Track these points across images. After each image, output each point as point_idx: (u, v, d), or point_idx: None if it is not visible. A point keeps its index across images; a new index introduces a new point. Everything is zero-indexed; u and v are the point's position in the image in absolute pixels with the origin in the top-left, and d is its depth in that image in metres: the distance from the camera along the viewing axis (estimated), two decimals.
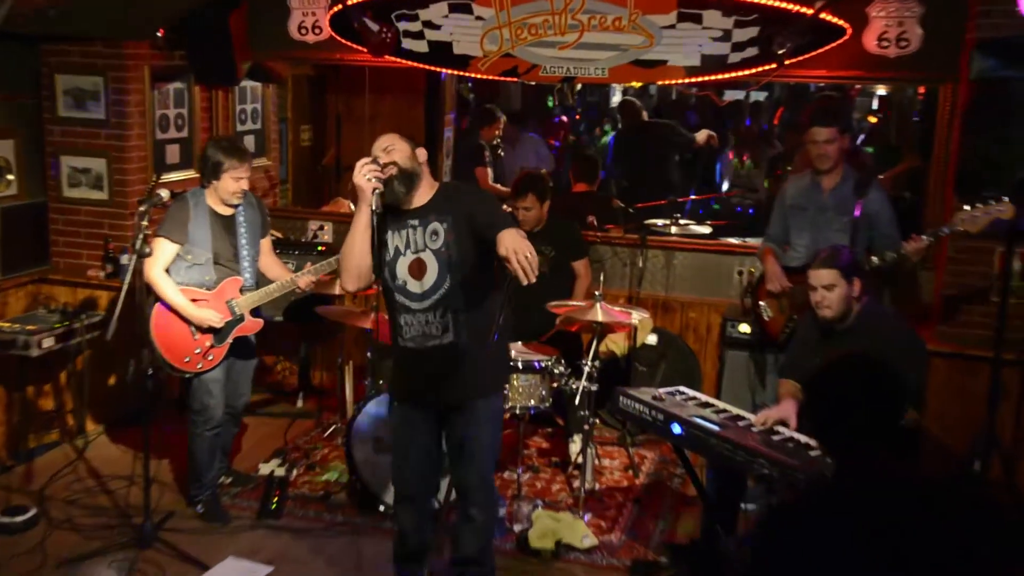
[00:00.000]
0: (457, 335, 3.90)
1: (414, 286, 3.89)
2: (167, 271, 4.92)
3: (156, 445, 5.00)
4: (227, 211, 5.01)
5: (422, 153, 3.93)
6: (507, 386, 5.09)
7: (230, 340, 5.02)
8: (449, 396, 3.98)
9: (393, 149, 3.86)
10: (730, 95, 10.82)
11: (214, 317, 4.92)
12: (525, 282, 3.40)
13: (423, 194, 3.91)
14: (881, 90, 10.55)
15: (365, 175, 3.76)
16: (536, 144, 9.47)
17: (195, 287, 4.95)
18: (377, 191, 3.75)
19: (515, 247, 3.43)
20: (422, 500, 4.17)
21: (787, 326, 5.27)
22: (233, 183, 4.91)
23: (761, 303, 5.51)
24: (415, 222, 3.89)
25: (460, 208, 3.85)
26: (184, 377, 5.04)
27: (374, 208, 3.74)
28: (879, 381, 2.71)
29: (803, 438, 4.02)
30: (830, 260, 4.38)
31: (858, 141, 9.18)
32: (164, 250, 4.86)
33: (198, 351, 4.95)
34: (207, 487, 5.14)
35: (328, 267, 5.11)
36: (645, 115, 9.40)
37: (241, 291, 5.02)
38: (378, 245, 3.84)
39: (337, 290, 5.64)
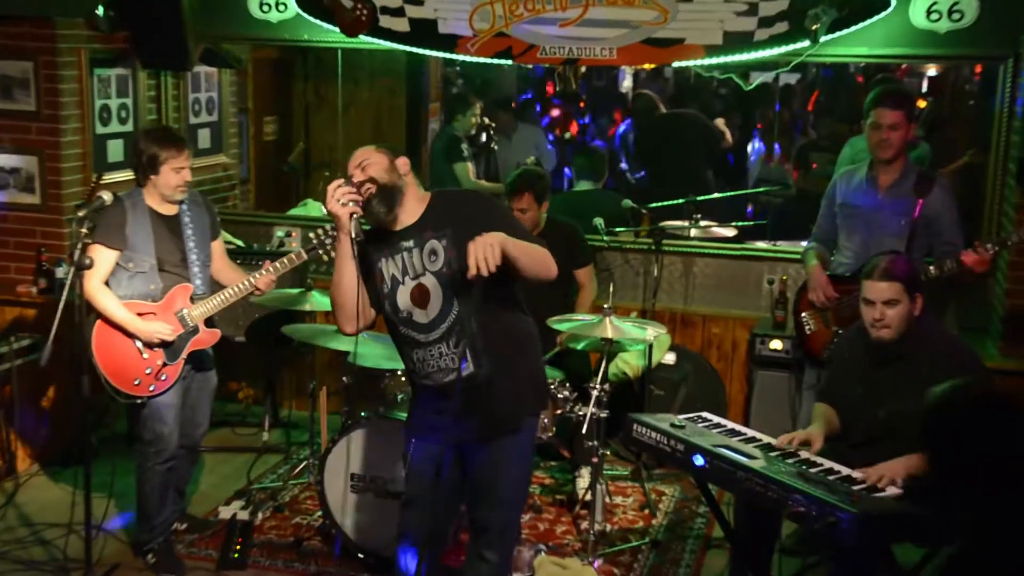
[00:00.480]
0: (477, 365, 3.88)
1: (420, 316, 3.88)
2: (107, 284, 4.93)
3: (100, 486, 4.99)
4: (170, 210, 5.03)
5: (403, 163, 3.89)
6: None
7: (184, 356, 5.03)
8: (475, 433, 3.96)
9: (368, 164, 3.83)
10: (757, 78, 10.85)
11: (164, 329, 4.92)
12: (472, 272, 3.49)
13: (412, 209, 3.88)
14: (932, 70, 10.57)
15: (339, 199, 3.73)
16: (535, 136, 9.50)
17: (139, 299, 4.95)
18: (356, 216, 3.73)
19: (484, 237, 3.50)
20: (432, 548, 4.13)
21: (832, 342, 5.28)
22: (174, 176, 4.94)
23: (803, 315, 5.52)
24: (409, 243, 3.87)
25: (458, 218, 3.81)
26: (135, 403, 5.03)
27: (354, 236, 3.73)
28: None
29: (844, 470, 4.03)
30: (892, 271, 4.26)
31: None
32: (102, 258, 4.86)
33: (149, 371, 4.96)
34: (158, 533, 5.12)
35: (289, 263, 5.10)
36: (662, 108, 9.44)
37: (192, 299, 5.03)
38: (370, 276, 3.84)
39: (307, 306, 5.65)
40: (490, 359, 3.88)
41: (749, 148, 9.70)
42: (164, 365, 4.97)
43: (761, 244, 6.81)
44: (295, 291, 5.78)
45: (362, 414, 5.23)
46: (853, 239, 5.36)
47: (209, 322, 5.11)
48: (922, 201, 5.06)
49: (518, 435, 3.99)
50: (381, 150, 3.90)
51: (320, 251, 5.09)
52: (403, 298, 3.89)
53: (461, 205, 3.90)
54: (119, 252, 4.92)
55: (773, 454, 4.18)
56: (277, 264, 5.10)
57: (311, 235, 5.17)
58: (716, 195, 7.91)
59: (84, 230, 4.55)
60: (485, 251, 3.48)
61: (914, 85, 10.92)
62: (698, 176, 8.54)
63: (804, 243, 5.90)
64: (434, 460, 3.97)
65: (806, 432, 4.29)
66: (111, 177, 6.41)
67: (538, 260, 3.75)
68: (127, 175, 6.47)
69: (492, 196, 4.14)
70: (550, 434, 5.39)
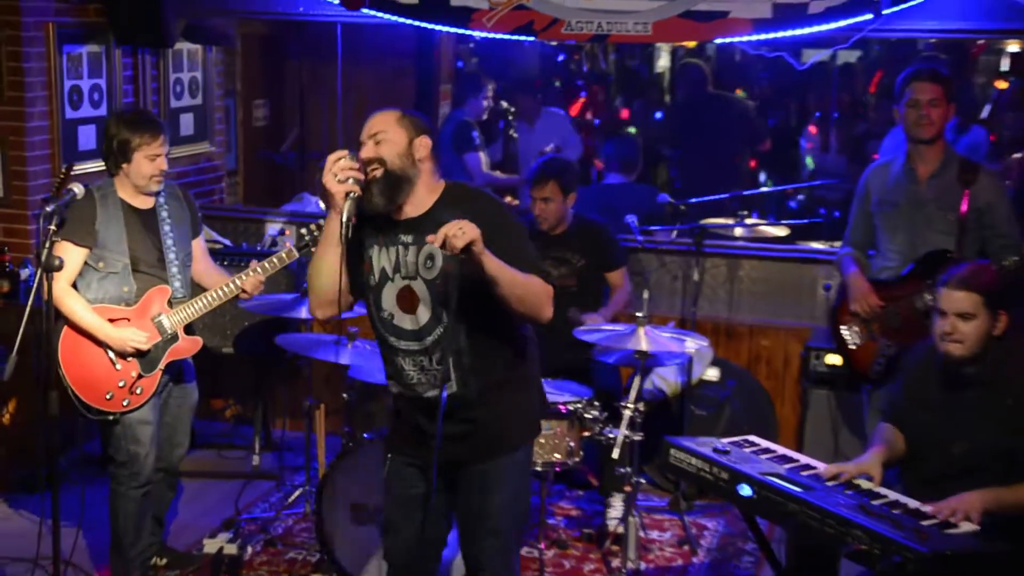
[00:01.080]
0: (464, 385, 3.87)
1: (403, 321, 3.87)
2: (75, 286, 4.94)
3: (68, 515, 5.00)
4: (145, 203, 5.05)
5: (423, 146, 3.83)
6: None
7: (162, 367, 5.04)
8: (458, 455, 3.95)
9: (384, 139, 3.78)
10: (811, 56, 10.84)
11: (138, 337, 4.93)
12: (436, 242, 3.50)
13: (420, 200, 3.85)
14: (1013, 46, 10.55)
15: (337, 175, 3.70)
16: (561, 122, 9.50)
17: (111, 303, 4.97)
18: (352, 195, 3.71)
19: (462, 222, 3.51)
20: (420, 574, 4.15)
21: (880, 356, 5.25)
22: (148, 164, 4.96)
23: (844, 327, 5.49)
24: (408, 238, 3.84)
25: None
26: (107, 420, 5.04)
27: (345, 218, 3.69)
28: None
29: (911, 503, 4.00)
30: (972, 280, 4.16)
31: (984, 113, 9.18)
32: (69, 257, 4.86)
33: (122, 384, 4.97)
34: (134, 567, 5.13)
35: (279, 262, 5.12)
36: (711, 86, 9.42)
37: (170, 303, 5.04)
38: (355, 263, 3.84)
39: (303, 314, 5.65)
40: (479, 379, 3.87)
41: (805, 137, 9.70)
42: (139, 377, 4.99)
43: (816, 245, 6.79)
44: (289, 296, 5.79)
45: (364, 435, 5.23)
46: (897, 239, 5.34)
47: (189, 329, 5.12)
48: (968, 192, 5.05)
49: (508, 457, 3.98)
50: (404, 122, 3.84)
51: (314, 248, 5.10)
52: (388, 297, 3.88)
53: (474, 210, 3.76)
54: (88, 250, 4.94)
55: (830, 484, 4.16)
56: (266, 263, 5.11)
57: (303, 231, 5.18)
58: (765, 189, 7.90)
59: (52, 227, 4.56)
60: (455, 230, 3.48)
61: (992, 63, 10.91)
62: (734, 169, 8.52)
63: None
64: (414, 475, 3.99)
65: (857, 465, 4.25)
66: (82, 167, 6.40)
67: (530, 296, 3.72)
68: (100, 165, 6.49)
69: (510, 209, 4.09)
70: (576, 459, 5.38)
